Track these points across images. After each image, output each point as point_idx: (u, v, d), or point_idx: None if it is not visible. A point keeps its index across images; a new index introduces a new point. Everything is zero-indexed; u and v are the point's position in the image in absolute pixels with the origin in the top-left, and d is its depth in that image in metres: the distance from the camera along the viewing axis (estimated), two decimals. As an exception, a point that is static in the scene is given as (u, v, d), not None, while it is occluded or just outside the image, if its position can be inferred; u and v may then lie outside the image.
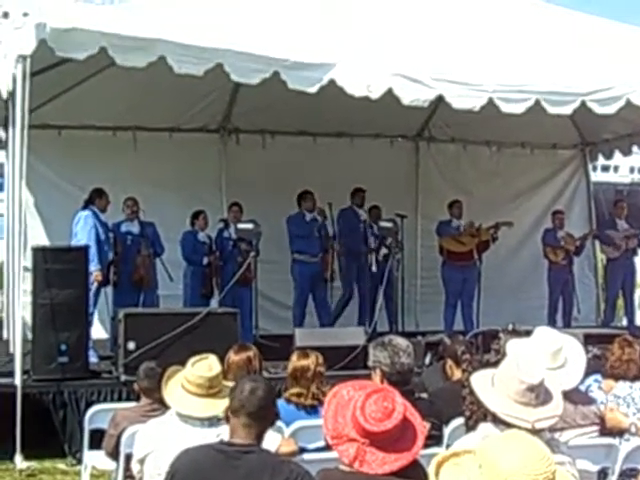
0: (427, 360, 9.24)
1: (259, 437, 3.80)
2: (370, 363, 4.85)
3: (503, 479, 2.46)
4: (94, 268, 9.41)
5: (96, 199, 10.15)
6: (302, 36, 8.78)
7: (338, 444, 3.40)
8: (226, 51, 8.19)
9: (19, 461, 7.74)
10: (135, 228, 10.71)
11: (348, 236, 11.78)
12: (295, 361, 5.73)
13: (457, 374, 6.13)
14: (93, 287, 9.41)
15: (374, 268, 11.46)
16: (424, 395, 5.72)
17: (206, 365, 4.80)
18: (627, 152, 13.97)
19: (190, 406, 4.71)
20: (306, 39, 8.74)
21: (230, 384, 4.82)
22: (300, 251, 11.50)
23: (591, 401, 5.46)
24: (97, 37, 7.85)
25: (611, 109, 9.22)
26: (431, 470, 2.66)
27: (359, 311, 12.02)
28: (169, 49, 8.04)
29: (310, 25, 9.00)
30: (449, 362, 6.27)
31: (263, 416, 3.80)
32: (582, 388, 5.63)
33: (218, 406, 4.66)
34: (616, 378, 5.88)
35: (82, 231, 9.81)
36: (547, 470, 2.47)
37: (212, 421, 4.67)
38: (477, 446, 2.72)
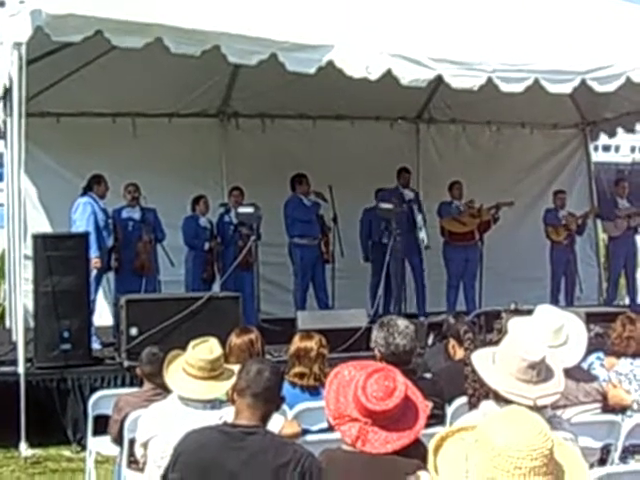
0: (430, 341, 9.25)
1: (264, 419, 3.81)
2: (371, 343, 4.88)
3: (497, 454, 2.45)
4: (93, 255, 9.39)
5: (94, 185, 10.12)
6: (300, 18, 8.73)
7: (340, 424, 3.40)
8: (223, 33, 8.16)
9: (24, 449, 7.76)
10: (136, 214, 10.69)
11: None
12: (298, 342, 5.73)
13: (460, 354, 6.14)
14: (93, 274, 9.40)
15: (426, 241, 11.45)
16: (427, 375, 5.74)
17: (207, 348, 4.80)
18: (630, 129, 13.93)
19: (191, 389, 4.72)
20: (304, 20, 8.69)
21: (232, 367, 4.83)
22: (301, 235, 11.49)
23: (593, 378, 5.48)
24: (93, 22, 7.81)
25: (611, 87, 9.18)
26: (432, 444, 2.64)
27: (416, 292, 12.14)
28: (166, 32, 8.01)
29: (308, 6, 8.95)
30: (452, 342, 6.28)
31: (268, 398, 3.81)
32: (584, 366, 5.64)
33: (220, 388, 4.68)
34: (617, 355, 5.88)
35: (81, 218, 9.79)
36: (542, 446, 2.44)
37: (214, 403, 4.69)
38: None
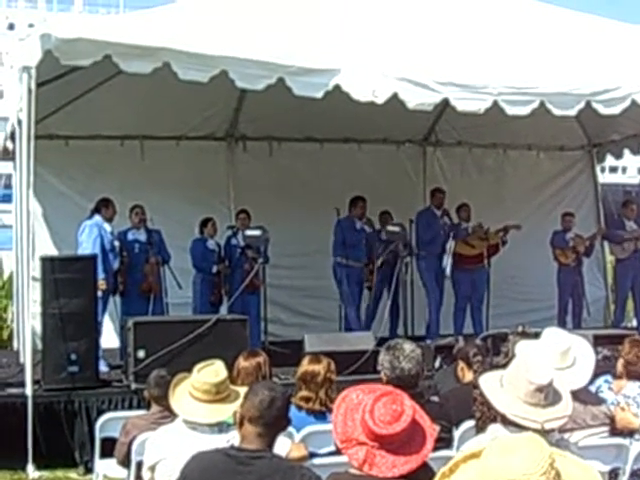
0: (437, 364, 9.23)
1: (270, 443, 3.79)
2: (378, 366, 4.88)
3: (481, 476, 2.42)
4: (99, 277, 9.40)
5: (102, 209, 10.14)
6: (306, 42, 8.79)
7: (348, 447, 3.39)
8: (231, 58, 8.21)
9: (31, 471, 7.76)
10: (142, 236, 10.70)
11: (427, 239, 11.67)
12: (306, 365, 5.72)
13: (468, 376, 6.12)
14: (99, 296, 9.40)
15: (448, 271, 11.43)
16: (434, 398, 5.73)
17: (212, 371, 4.80)
18: (636, 151, 13.94)
19: (197, 413, 4.71)
20: (310, 45, 8.75)
21: (238, 388, 4.83)
22: (345, 256, 11.40)
23: (601, 401, 5.46)
24: (102, 46, 7.88)
25: (616, 110, 9.21)
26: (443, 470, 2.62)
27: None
28: (174, 57, 8.07)
29: (314, 31, 9.01)
30: (460, 364, 6.27)
31: (278, 425, 3.81)
32: (592, 389, 5.64)
33: (225, 411, 4.68)
34: (627, 378, 5.86)
35: (87, 240, 9.81)
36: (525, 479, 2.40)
37: (221, 427, 4.68)
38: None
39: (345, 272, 11.40)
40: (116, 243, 10.20)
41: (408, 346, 4.91)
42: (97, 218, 10.05)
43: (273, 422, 3.76)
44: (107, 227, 10.08)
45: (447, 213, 11.87)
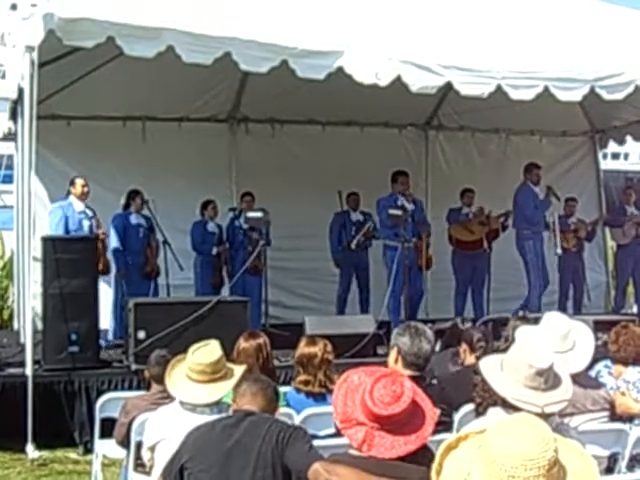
0: (437, 348, 9.23)
1: (263, 412, 4.06)
2: (391, 343, 4.90)
3: (492, 461, 2.39)
4: None
5: (70, 188, 10.01)
6: (310, 23, 8.75)
7: (347, 428, 3.39)
8: (234, 39, 8.16)
9: (30, 451, 7.77)
10: (142, 220, 10.72)
11: (530, 215, 11.42)
12: (302, 348, 5.73)
13: (470, 359, 6.13)
14: None
15: (559, 250, 11.12)
16: (435, 381, 5.74)
17: (207, 351, 4.82)
18: (639, 137, 13.91)
19: (195, 394, 4.74)
20: (314, 27, 8.71)
21: (233, 366, 4.88)
22: (391, 237, 10.94)
23: (600, 386, 5.47)
24: (105, 26, 7.84)
25: (620, 95, 9.19)
26: (440, 449, 2.62)
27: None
28: (177, 38, 8.02)
29: (318, 12, 8.96)
30: (464, 346, 6.27)
31: (265, 395, 4.12)
32: (592, 374, 5.64)
33: (224, 388, 4.71)
34: (618, 364, 5.86)
35: (51, 225, 9.69)
36: (539, 457, 2.34)
37: (221, 407, 4.70)
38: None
39: (391, 254, 10.90)
40: (85, 222, 9.97)
41: (426, 329, 4.95)
42: (68, 199, 9.88)
43: (259, 390, 4.14)
44: (76, 207, 9.87)
45: (553, 191, 11.57)
